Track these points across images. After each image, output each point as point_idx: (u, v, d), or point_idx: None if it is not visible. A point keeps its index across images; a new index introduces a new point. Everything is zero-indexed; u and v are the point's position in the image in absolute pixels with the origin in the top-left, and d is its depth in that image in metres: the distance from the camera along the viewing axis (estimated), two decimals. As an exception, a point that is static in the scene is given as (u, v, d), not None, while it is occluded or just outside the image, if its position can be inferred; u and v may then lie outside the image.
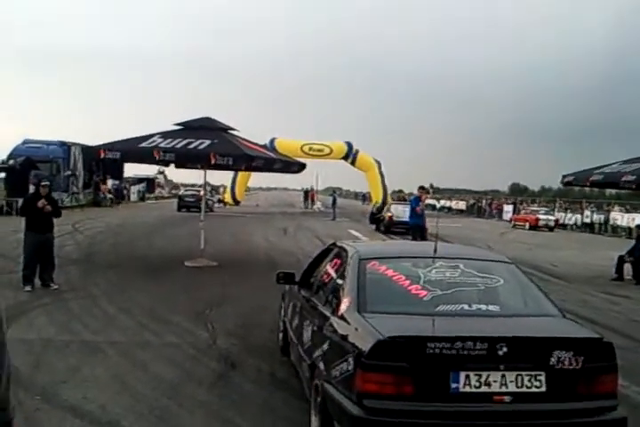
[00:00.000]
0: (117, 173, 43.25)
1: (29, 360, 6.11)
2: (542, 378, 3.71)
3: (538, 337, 3.89)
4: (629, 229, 31.49)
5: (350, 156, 44.32)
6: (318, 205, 53.58)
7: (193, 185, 48.12)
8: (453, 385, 3.64)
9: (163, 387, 5.63)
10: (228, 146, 12.44)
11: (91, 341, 7.06)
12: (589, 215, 37.05)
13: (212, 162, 12.06)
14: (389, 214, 26.97)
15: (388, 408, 3.62)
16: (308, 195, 55.46)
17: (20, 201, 14.64)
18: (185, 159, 13.31)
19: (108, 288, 10.29)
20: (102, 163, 35.36)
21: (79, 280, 10.98)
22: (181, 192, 43.37)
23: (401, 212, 25.33)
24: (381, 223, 27.96)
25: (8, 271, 11.09)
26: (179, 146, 12.15)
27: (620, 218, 34.49)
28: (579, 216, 38.14)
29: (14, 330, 6.78)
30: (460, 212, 54.38)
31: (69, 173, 33.78)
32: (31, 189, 22.39)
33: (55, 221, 10.27)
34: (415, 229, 15.68)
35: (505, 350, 3.64)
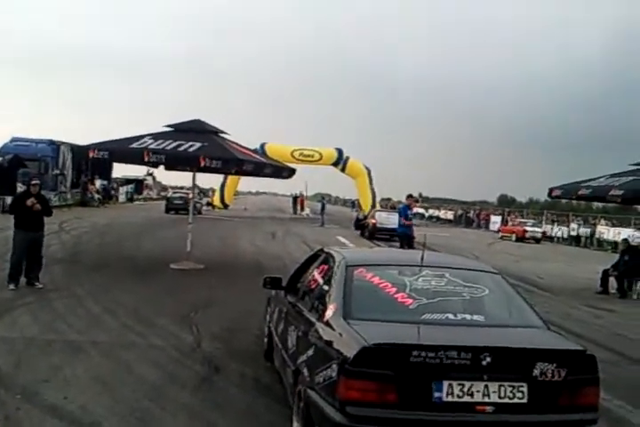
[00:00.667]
0: (106, 174, 43.11)
1: (11, 359, 6.08)
2: (524, 389, 3.72)
3: (521, 348, 3.90)
4: (615, 243, 31.64)
5: (340, 162, 44.29)
6: (307, 210, 53.56)
7: (181, 187, 47.94)
8: (436, 394, 3.65)
9: (145, 389, 5.60)
10: (219, 149, 12.43)
11: (74, 340, 7.01)
12: (576, 228, 37.29)
13: (202, 165, 12.06)
14: (373, 221, 27.39)
15: (371, 416, 3.62)
16: (297, 200, 55.36)
17: (8, 199, 14.57)
18: (175, 161, 13.27)
19: (92, 288, 10.22)
20: (91, 163, 35.23)
21: (64, 280, 10.90)
22: (169, 194, 43.15)
23: (384, 219, 25.99)
24: (366, 229, 28.32)
25: (-6, 269, 11.00)
26: (169, 148, 12.13)
27: (606, 232, 34.70)
28: (565, 229, 38.38)
29: (-3, 328, 6.74)
30: (448, 221, 54.56)
31: (58, 172, 33.59)
32: (19, 187, 22.25)
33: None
34: (403, 238, 15.78)
35: (489, 360, 3.66)
